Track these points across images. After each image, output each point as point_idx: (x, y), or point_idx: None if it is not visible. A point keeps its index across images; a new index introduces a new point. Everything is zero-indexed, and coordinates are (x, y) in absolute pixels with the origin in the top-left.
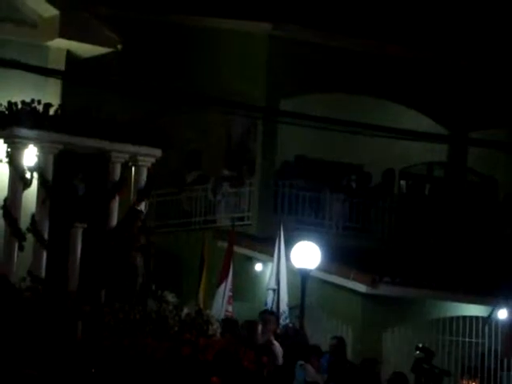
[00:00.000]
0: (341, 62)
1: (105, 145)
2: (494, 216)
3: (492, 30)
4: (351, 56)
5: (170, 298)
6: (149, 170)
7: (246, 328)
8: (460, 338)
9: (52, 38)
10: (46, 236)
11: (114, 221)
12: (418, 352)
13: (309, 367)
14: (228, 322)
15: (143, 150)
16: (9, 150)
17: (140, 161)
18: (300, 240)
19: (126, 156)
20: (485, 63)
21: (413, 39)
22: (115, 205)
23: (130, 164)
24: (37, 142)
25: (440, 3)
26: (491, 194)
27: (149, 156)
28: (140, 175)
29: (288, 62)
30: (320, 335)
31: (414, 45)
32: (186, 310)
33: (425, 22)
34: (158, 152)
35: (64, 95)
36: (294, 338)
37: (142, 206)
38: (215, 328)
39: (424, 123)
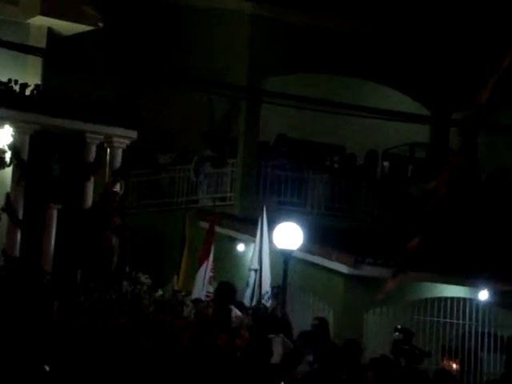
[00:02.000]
0: (323, 42)
1: (80, 126)
2: (476, 197)
3: (475, 11)
4: (334, 36)
5: (144, 279)
6: (124, 151)
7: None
8: (441, 319)
9: (33, 16)
10: (20, 216)
11: (89, 202)
12: (396, 333)
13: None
14: (197, 302)
15: (118, 131)
16: None
17: (115, 142)
18: (282, 221)
19: (101, 137)
20: (468, 45)
21: (396, 20)
22: (90, 186)
23: (106, 145)
24: (12, 121)
25: None
26: (473, 174)
27: (124, 137)
28: (115, 156)
29: (270, 41)
30: (302, 316)
31: (397, 25)
32: (160, 292)
33: (408, 3)
34: (133, 133)
35: (45, 73)
36: (278, 321)
37: (118, 188)
38: (190, 309)
39: (406, 104)
